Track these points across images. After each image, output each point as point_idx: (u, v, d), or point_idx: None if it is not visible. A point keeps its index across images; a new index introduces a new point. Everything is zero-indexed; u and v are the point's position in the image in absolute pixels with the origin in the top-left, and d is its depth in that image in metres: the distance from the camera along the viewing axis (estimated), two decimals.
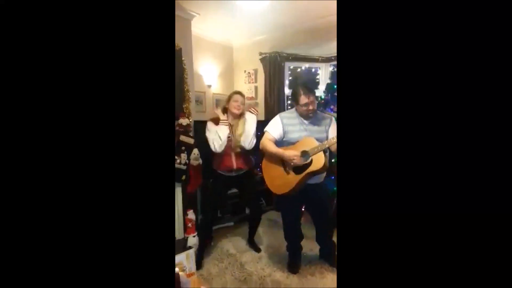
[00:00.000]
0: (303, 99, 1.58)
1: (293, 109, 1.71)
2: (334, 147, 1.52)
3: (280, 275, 1.79)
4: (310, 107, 1.58)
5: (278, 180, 1.67)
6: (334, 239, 1.91)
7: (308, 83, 2.01)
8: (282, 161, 1.65)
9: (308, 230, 2.03)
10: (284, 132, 1.67)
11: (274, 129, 1.69)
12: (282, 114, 1.74)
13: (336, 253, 1.93)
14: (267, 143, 1.67)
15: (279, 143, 1.69)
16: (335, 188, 2.33)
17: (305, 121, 1.66)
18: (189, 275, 1.10)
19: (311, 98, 1.58)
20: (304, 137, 1.60)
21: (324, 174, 1.73)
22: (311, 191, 1.69)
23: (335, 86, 2.46)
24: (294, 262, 1.87)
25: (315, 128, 1.64)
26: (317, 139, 1.57)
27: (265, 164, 1.76)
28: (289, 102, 3.10)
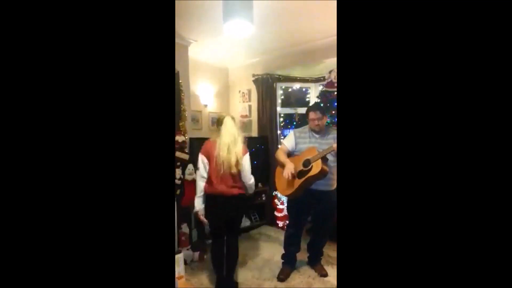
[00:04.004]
0: (311, 115, 1.86)
1: (307, 125, 1.97)
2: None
3: (268, 284, 1.88)
4: (316, 122, 1.84)
5: (284, 183, 1.86)
6: (326, 250, 2.01)
7: (318, 103, 2.44)
8: None
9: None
10: (296, 144, 1.93)
11: (287, 141, 1.97)
12: (296, 129, 2.02)
13: (321, 262, 2.04)
14: (280, 153, 1.94)
15: (292, 153, 1.94)
16: None
17: (316, 135, 1.89)
18: (179, 278, 1.20)
19: (318, 114, 1.82)
20: (308, 147, 1.82)
21: (334, 183, 1.86)
22: (319, 198, 1.84)
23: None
24: (285, 270, 1.98)
25: (324, 141, 1.85)
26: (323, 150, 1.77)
27: (277, 170, 1.97)
28: (281, 119, 3.28)
